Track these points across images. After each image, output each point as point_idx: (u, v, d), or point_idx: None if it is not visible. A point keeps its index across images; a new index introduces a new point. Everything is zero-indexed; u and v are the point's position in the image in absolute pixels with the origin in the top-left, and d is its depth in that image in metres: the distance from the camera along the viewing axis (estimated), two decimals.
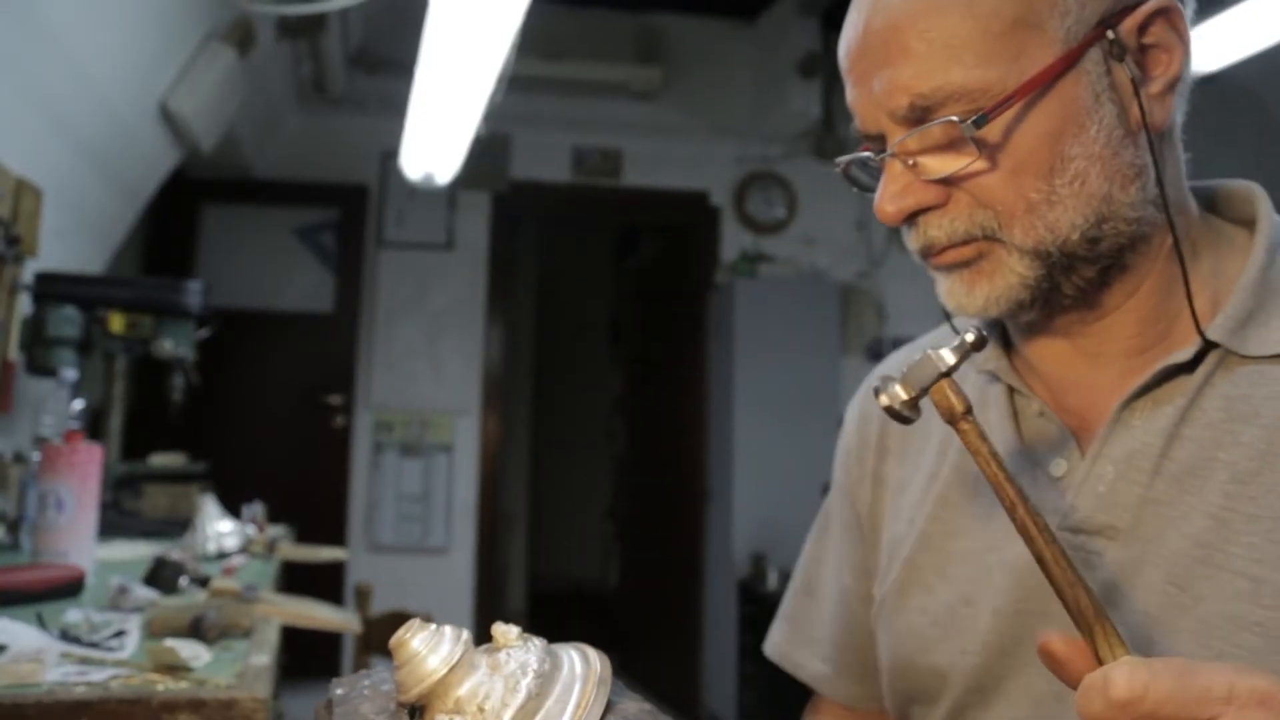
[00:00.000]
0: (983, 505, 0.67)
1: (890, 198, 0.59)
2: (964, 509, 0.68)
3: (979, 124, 0.55)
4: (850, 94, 0.61)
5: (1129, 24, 0.57)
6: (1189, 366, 0.59)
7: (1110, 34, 0.56)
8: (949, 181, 0.58)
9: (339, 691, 0.52)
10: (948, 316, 0.71)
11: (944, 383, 0.50)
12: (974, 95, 0.55)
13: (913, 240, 0.61)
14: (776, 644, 0.88)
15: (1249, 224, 0.64)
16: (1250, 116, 3.38)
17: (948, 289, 0.62)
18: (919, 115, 0.57)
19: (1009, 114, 0.55)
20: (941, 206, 0.59)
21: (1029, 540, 0.48)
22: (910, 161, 0.58)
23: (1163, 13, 0.58)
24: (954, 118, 0.55)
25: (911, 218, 0.60)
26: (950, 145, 0.57)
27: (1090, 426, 0.63)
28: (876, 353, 4.34)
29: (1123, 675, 0.40)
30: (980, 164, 0.57)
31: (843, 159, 0.64)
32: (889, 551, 0.75)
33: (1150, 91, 0.58)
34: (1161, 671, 0.40)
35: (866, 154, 0.62)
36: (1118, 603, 0.58)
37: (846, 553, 0.82)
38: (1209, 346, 0.59)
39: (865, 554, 0.79)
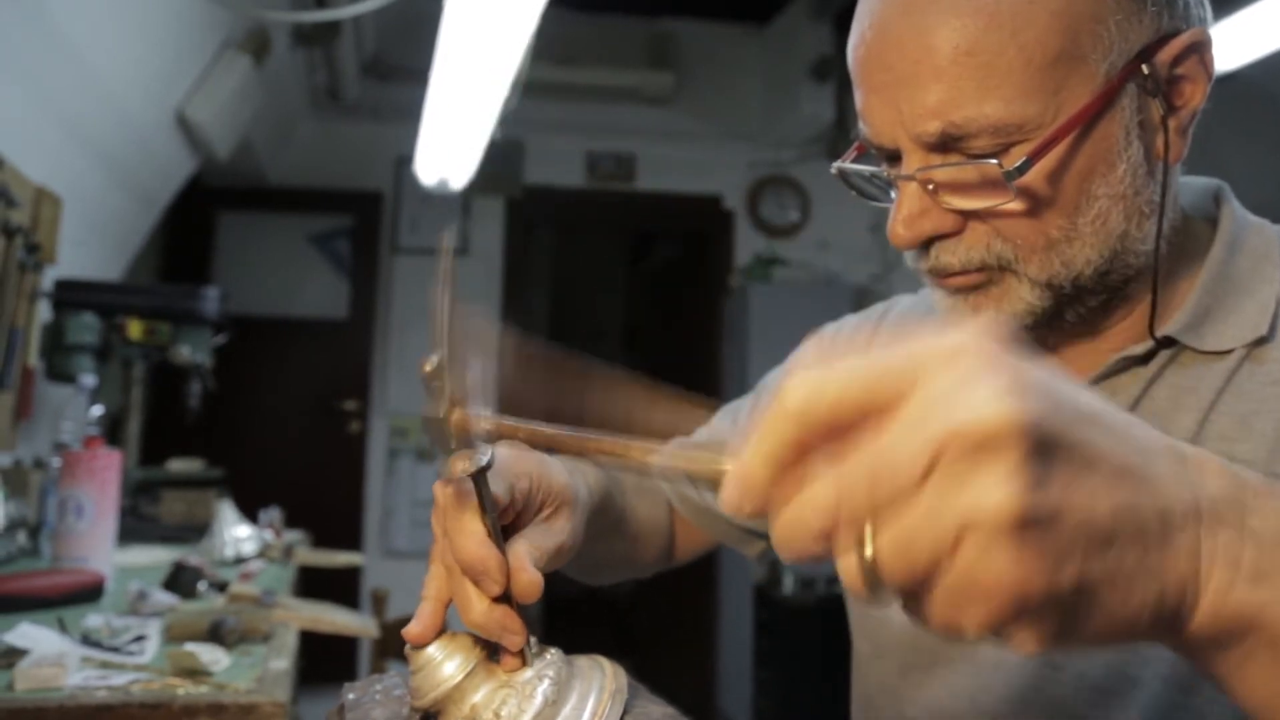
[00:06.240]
0: None
1: (906, 222, 0.58)
2: None
3: (1022, 170, 0.53)
4: (863, 100, 0.58)
5: (1164, 55, 0.55)
6: (1144, 360, 0.61)
7: (1145, 68, 0.55)
8: (971, 213, 0.57)
9: (350, 696, 0.52)
10: None
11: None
12: (1009, 130, 0.53)
13: (922, 262, 0.60)
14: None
15: (1213, 220, 0.66)
16: (1268, 115, 3.35)
17: (951, 304, 0.61)
18: (946, 142, 0.55)
19: (1050, 157, 0.54)
20: (958, 234, 0.58)
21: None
22: (930, 186, 0.56)
23: (1197, 47, 0.56)
24: (994, 160, 0.53)
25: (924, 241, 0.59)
26: (981, 181, 0.55)
27: None
28: None
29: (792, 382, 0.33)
30: (1013, 205, 0.55)
31: (848, 166, 0.62)
32: None
33: (1175, 124, 0.57)
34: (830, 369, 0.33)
35: (881, 170, 0.60)
36: None
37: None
38: (1165, 342, 0.61)
39: None
